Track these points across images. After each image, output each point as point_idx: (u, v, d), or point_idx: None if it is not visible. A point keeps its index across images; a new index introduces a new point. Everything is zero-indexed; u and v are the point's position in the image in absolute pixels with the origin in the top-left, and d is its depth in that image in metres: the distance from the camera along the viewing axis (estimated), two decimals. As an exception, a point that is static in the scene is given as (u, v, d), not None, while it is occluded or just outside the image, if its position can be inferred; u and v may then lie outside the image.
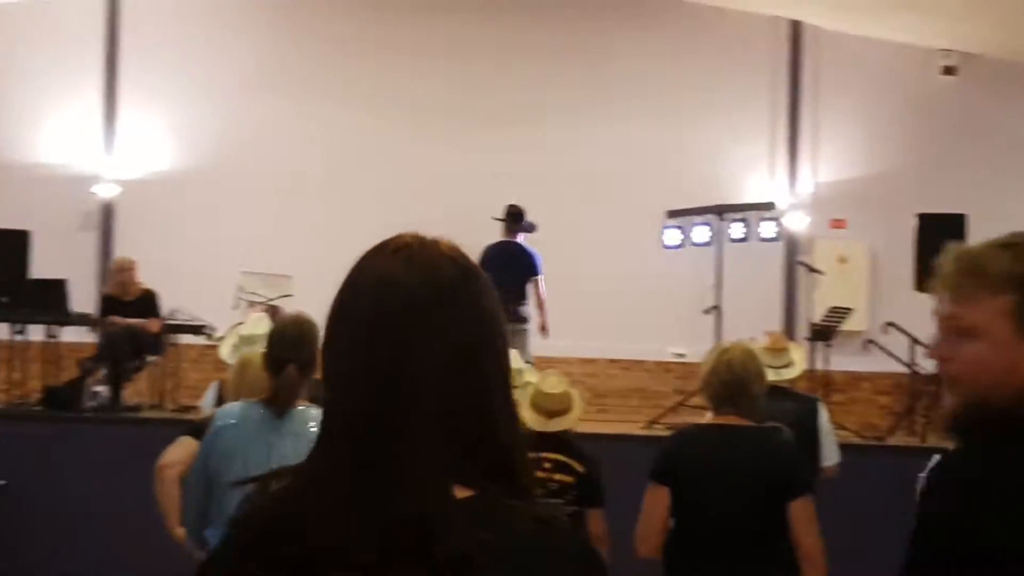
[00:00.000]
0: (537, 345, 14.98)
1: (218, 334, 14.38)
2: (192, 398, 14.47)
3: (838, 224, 17.96)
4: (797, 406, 7.71)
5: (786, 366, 8.22)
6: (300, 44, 17.92)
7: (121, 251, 16.71)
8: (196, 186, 17.36)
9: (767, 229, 15.44)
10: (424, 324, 1.90)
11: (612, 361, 17.22)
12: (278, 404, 5.40)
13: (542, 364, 16.57)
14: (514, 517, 1.81)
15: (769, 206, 16.04)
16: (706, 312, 14.85)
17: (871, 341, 16.33)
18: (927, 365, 14.57)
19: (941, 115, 18.14)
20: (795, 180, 17.96)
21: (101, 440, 12.19)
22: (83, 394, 13.01)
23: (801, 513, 5.64)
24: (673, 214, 15.63)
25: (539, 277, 13.85)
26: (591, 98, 17.86)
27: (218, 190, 17.37)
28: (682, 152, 17.73)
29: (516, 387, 8.34)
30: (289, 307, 14.70)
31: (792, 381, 8.32)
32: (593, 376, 16.84)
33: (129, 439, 12.37)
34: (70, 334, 14.06)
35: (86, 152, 17.56)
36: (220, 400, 7.76)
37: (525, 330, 13.74)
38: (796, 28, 18.10)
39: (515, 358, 8.64)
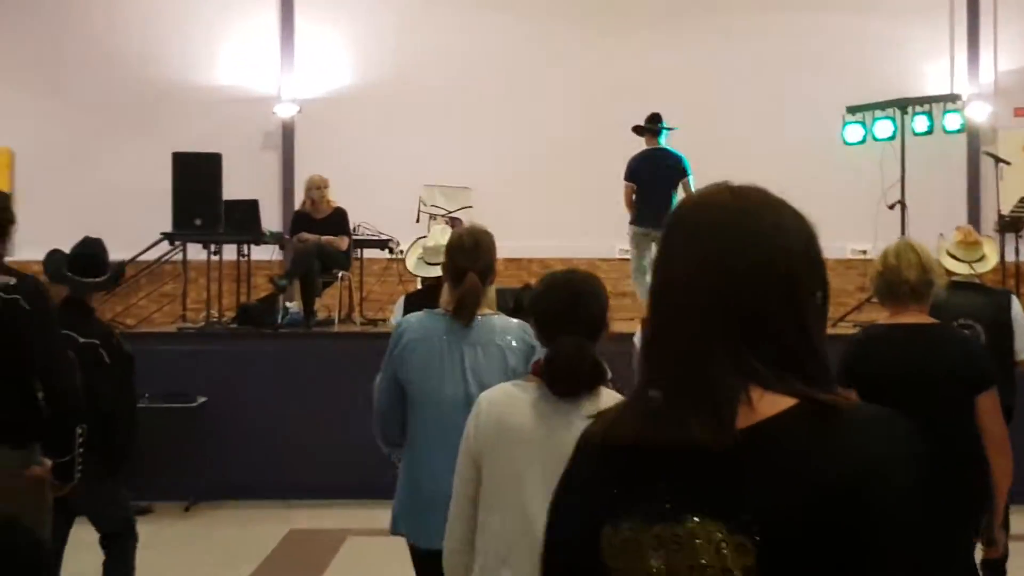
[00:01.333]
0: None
1: (399, 247, 14.50)
2: (376, 311, 14.63)
3: (1022, 112, 17.36)
4: (990, 300, 7.52)
5: (979, 260, 7.94)
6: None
7: (302, 170, 16.86)
8: (374, 101, 17.39)
9: (952, 121, 14.94)
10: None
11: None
12: (463, 313, 5.32)
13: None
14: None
15: (954, 98, 15.53)
16: (890, 207, 14.48)
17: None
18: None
19: None
20: (976, 69, 17.33)
21: (295, 355, 12.35)
22: (275, 310, 13.19)
23: (988, 404, 5.55)
24: (853, 109, 15.18)
25: (688, 178, 13.48)
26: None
27: (396, 104, 17.36)
28: (857, 43, 17.24)
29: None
30: (469, 218, 14.78)
31: (984, 275, 8.05)
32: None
33: (322, 353, 12.55)
34: (259, 252, 14.22)
35: (265, 72, 17.70)
36: (408, 313, 7.67)
37: None
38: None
39: None
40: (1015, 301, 7.81)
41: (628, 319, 13.42)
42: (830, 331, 7.56)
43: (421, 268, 8.21)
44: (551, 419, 4.02)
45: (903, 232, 14.41)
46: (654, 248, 13.06)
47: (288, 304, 13.48)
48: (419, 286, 14.80)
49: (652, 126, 13.78)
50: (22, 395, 5.70)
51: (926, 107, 14.96)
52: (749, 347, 1.87)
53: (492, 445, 4.10)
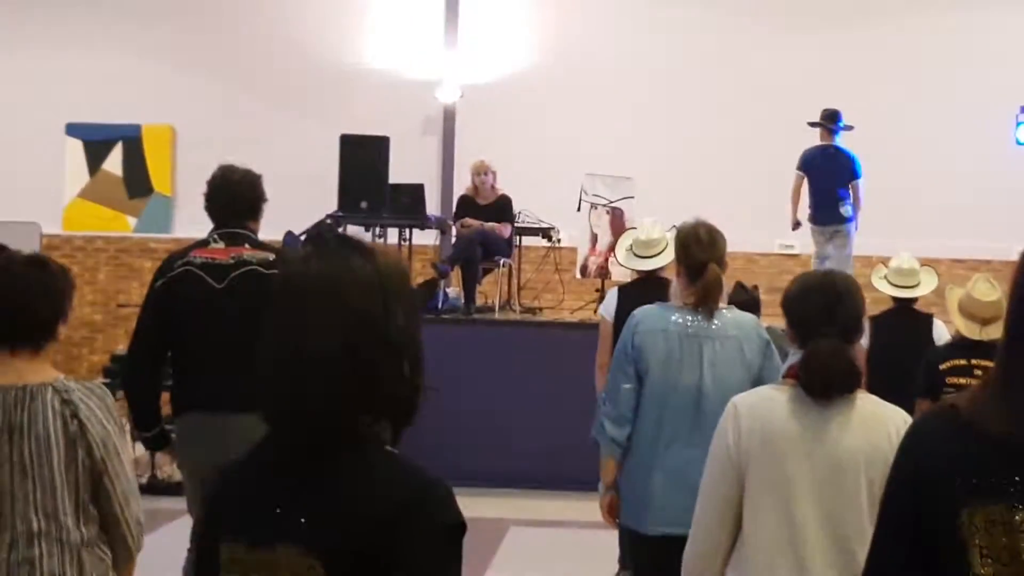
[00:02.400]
0: (873, 245, 14.44)
1: (559, 235, 14.37)
2: (533, 299, 14.49)
3: None
4: None
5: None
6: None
7: (462, 155, 16.78)
8: (536, 88, 17.16)
9: None
10: None
11: (956, 261, 16.39)
12: (707, 306, 5.37)
13: (877, 264, 16.15)
14: None
15: None
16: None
17: None
18: None
19: None
20: None
21: (458, 341, 12.27)
22: (436, 295, 13.13)
23: None
24: (1028, 108, 14.76)
25: (858, 181, 13.42)
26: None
27: (559, 92, 17.13)
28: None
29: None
30: (631, 208, 14.59)
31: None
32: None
33: (484, 340, 12.47)
34: (419, 237, 14.18)
35: (428, 56, 17.57)
36: (621, 305, 7.75)
37: (846, 230, 13.44)
38: None
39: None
40: None
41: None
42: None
43: (632, 260, 8.28)
44: (814, 423, 3.93)
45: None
46: (826, 245, 12.89)
47: (448, 290, 13.44)
48: (577, 275, 14.88)
49: (829, 123, 13.60)
50: None
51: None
52: None
53: (758, 451, 3.97)
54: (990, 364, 6.48)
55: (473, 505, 10.24)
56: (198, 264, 5.96)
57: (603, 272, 14.40)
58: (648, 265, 8.11)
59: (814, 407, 3.94)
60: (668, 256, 7.99)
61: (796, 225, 13.92)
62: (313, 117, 16.92)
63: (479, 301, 13.67)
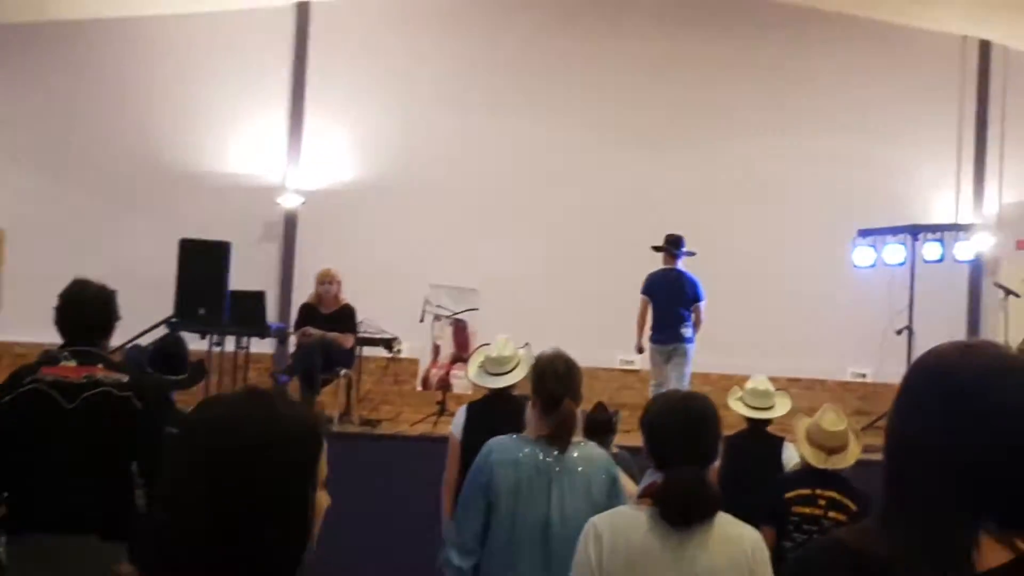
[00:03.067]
0: (717, 363, 14.70)
1: (399, 347, 14.15)
2: (370, 411, 14.21)
3: (1024, 245, 17.30)
4: None
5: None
6: (488, 59, 17.59)
7: (303, 263, 16.58)
8: (379, 198, 17.07)
9: (963, 251, 14.78)
10: None
11: (792, 380, 16.60)
12: (560, 441, 5.34)
13: (722, 382, 16.23)
14: None
15: (965, 227, 15.42)
16: (898, 333, 14.32)
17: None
18: None
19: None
20: (981, 200, 17.27)
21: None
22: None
23: None
24: (865, 232, 15.02)
25: (701, 304, 13.66)
26: (779, 115, 17.42)
27: (402, 202, 17.06)
28: (869, 169, 17.21)
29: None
30: (475, 321, 14.48)
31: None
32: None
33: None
34: (256, 345, 13.85)
35: (271, 162, 17.35)
36: (469, 423, 7.87)
37: (684, 349, 13.62)
38: (985, 48, 17.46)
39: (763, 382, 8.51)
40: None
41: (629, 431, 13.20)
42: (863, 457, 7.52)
43: (483, 378, 8.20)
44: (675, 543, 4.03)
45: (909, 358, 14.18)
46: (665, 365, 12.98)
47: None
48: (418, 387, 14.68)
49: (672, 248, 13.78)
50: (121, 492, 5.63)
51: (937, 235, 14.79)
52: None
53: (622, 571, 4.02)
54: (834, 494, 6.60)
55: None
56: (48, 382, 5.73)
57: (444, 384, 14.26)
58: (499, 383, 8.04)
59: (673, 529, 4.03)
60: (519, 374, 8.05)
61: (640, 350, 14.00)
62: (152, 220, 16.47)
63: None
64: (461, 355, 14.46)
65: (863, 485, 6.69)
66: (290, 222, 17.32)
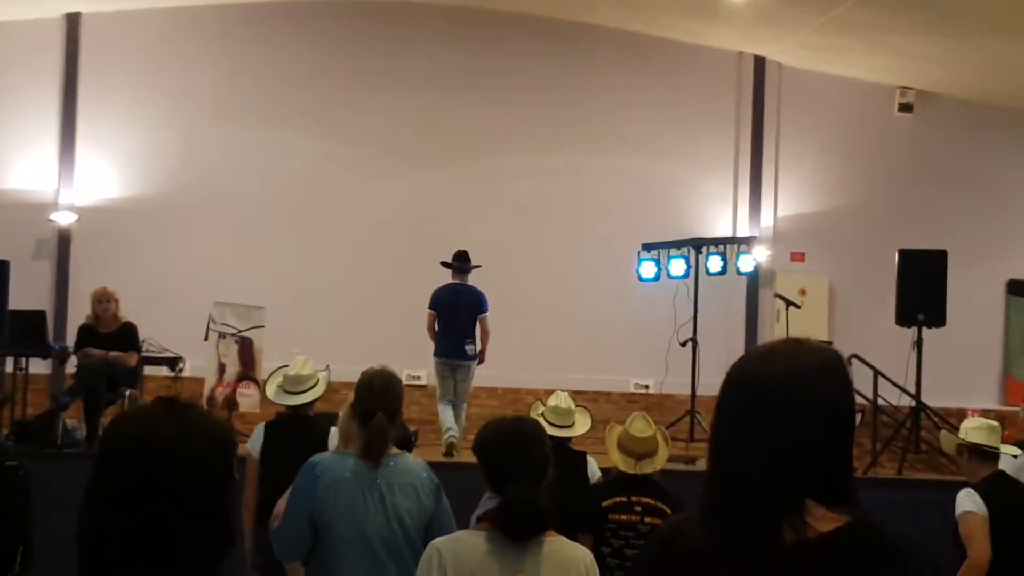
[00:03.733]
0: (504, 377, 14.83)
1: (180, 366, 13.79)
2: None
3: (798, 257, 17.81)
4: None
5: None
6: (269, 74, 17.34)
7: (79, 281, 16.06)
8: (158, 214, 16.66)
9: (746, 263, 15.08)
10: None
11: (577, 392, 16.68)
12: (372, 454, 5.50)
13: (508, 395, 16.37)
14: None
15: (748, 240, 15.75)
16: (683, 344, 14.55)
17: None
18: (890, 397, 14.44)
19: (897, 151, 18.17)
20: (758, 214, 17.72)
21: (77, 476, 11.43)
22: (56, 429, 12.24)
23: None
24: (649, 247, 15.21)
25: (486, 315, 13.80)
26: (562, 132, 17.59)
27: (181, 219, 16.70)
28: (651, 185, 17.54)
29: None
30: (261, 339, 14.21)
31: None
32: (557, 408, 16.48)
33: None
34: (36, 366, 13.33)
35: (42, 179, 16.76)
36: (268, 441, 8.01)
37: (468, 365, 13.80)
38: (760, 65, 17.93)
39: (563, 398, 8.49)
40: None
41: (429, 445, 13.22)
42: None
43: (281, 397, 8.26)
44: (512, 563, 4.27)
45: (694, 369, 14.45)
46: (450, 378, 13.01)
47: (67, 422, 12.59)
48: (204, 406, 14.31)
49: (459, 264, 13.93)
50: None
51: (719, 248, 15.06)
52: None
53: None
54: (649, 500, 6.78)
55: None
56: None
57: (231, 403, 13.97)
58: (297, 400, 8.16)
59: (511, 548, 4.28)
60: (317, 392, 8.23)
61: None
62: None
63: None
64: (247, 373, 14.22)
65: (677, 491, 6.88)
66: (64, 239, 16.73)
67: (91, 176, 16.87)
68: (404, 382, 15.62)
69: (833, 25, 15.98)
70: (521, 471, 4.41)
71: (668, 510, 6.87)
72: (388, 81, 17.38)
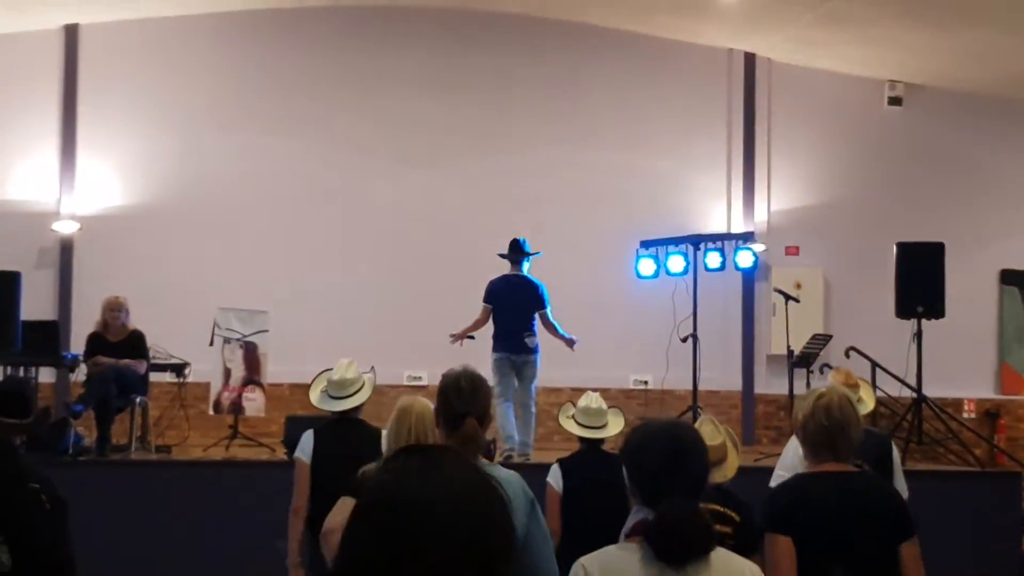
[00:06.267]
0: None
1: (186, 372, 13.98)
2: (157, 437, 13.92)
3: (792, 251, 17.98)
4: (873, 443, 7.59)
5: (858, 401, 8.13)
6: (260, 80, 17.49)
7: (82, 289, 16.26)
8: (160, 221, 16.83)
9: (744, 259, 15.15)
10: None
11: (575, 390, 16.90)
12: None
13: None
14: None
15: (746, 236, 15.86)
16: (683, 340, 14.66)
17: (827, 365, 16.26)
18: (889, 389, 14.61)
19: (887, 144, 18.33)
20: (751, 209, 17.89)
21: (90, 484, 11.65)
22: (67, 436, 12.45)
23: (911, 554, 5.41)
24: (647, 243, 15.35)
25: (545, 311, 13.41)
26: (556, 129, 17.75)
27: (183, 225, 16.89)
28: (647, 182, 17.68)
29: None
30: (265, 343, 14.39)
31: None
32: (558, 405, 16.56)
33: (122, 482, 11.94)
34: (46, 374, 13.55)
35: (44, 188, 16.92)
36: (318, 447, 7.77)
37: (534, 359, 13.32)
38: (750, 61, 18.13)
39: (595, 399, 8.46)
40: (893, 443, 8.05)
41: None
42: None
43: (326, 403, 8.03)
44: None
45: (695, 364, 14.61)
46: (513, 377, 12.78)
47: (80, 430, 12.80)
48: (211, 411, 14.47)
49: (511, 254, 13.55)
50: None
51: (718, 244, 15.17)
52: None
53: None
54: (717, 507, 6.51)
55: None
56: None
57: (237, 408, 14.13)
58: (343, 406, 7.94)
59: (666, 568, 3.75)
60: (363, 395, 7.98)
61: (458, 339, 13.38)
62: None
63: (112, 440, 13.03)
64: (252, 377, 14.38)
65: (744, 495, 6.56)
66: (66, 248, 16.91)
67: (93, 185, 17.04)
68: (405, 383, 15.95)
69: (823, 20, 16.16)
70: (678, 482, 3.87)
71: (737, 517, 6.46)
72: (383, 84, 17.54)
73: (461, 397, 5.08)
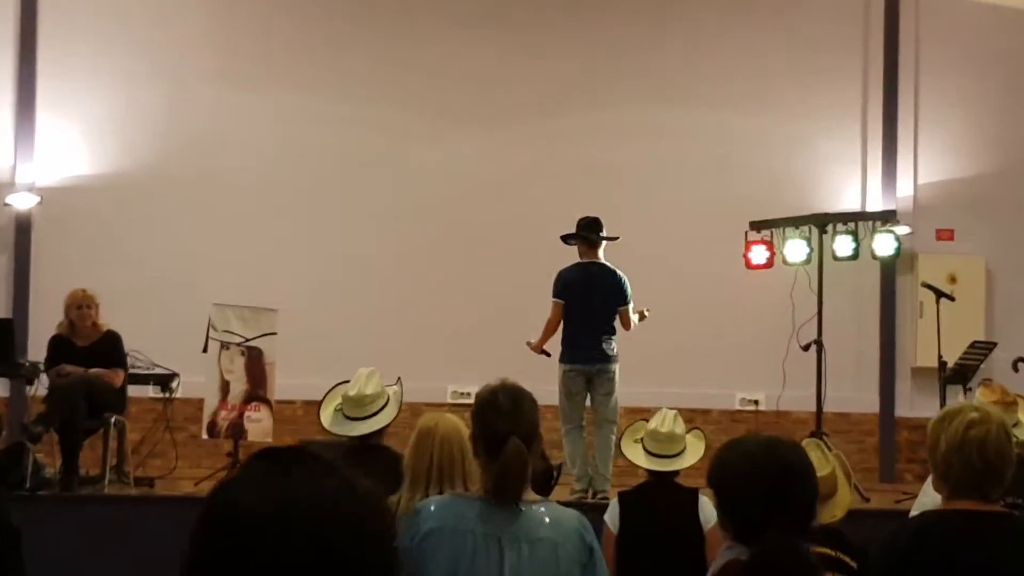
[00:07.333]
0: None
1: (174, 385, 14.04)
2: (136, 467, 13.96)
3: (945, 235, 17.79)
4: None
5: (1015, 425, 7.98)
6: (268, 20, 17.59)
7: (41, 278, 16.32)
8: (139, 196, 16.87)
9: (884, 244, 15.06)
10: None
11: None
12: (506, 494, 4.94)
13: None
14: None
15: (886, 215, 15.76)
16: (804, 348, 14.54)
17: (989, 381, 16.11)
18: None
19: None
20: (893, 181, 17.72)
21: (53, 525, 11.74)
22: (25, 465, 12.49)
23: None
24: (758, 225, 15.26)
25: (628, 307, 13.13)
26: (643, 83, 17.75)
27: (169, 201, 16.93)
28: (757, 148, 17.64)
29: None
30: (272, 349, 14.44)
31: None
32: (642, 431, 16.54)
33: (93, 522, 12.02)
34: (-2, 385, 13.70)
35: (-6, 156, 17.04)
36: None
37: (614, 370, 13.02)
38: (892, -1, 17.93)
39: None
40: None
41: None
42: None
43: (341, 425, 8.04)
44: None
45: (820, 379, 14.52)
46: (585, 393, 12.61)
47: (36, 457, 12.84)
48: (204, 435, 14.54)
49: (589, 235, 13.22)
50: None
51: (850, 226, 15.07)
52: None
53: None
54: (829, 552, 6.44)
55: None
56: None
57: (237, 430, 14.14)
58: (361, 429, 7.96)
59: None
60: (388, 415, 8.02)
61: (542, 350, 13.25)
62: None
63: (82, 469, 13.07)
64: (257, 392, 14.36)
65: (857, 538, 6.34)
66: (23, 227, 16.95)
67: (55, 149, 17.12)
68: (449, 400, 16.00)
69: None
70: (779, 514, 3.91)
71: (852, 563, 6.28)
72: (422, 23, 17.55)
73: (500, 416, 5.04)
